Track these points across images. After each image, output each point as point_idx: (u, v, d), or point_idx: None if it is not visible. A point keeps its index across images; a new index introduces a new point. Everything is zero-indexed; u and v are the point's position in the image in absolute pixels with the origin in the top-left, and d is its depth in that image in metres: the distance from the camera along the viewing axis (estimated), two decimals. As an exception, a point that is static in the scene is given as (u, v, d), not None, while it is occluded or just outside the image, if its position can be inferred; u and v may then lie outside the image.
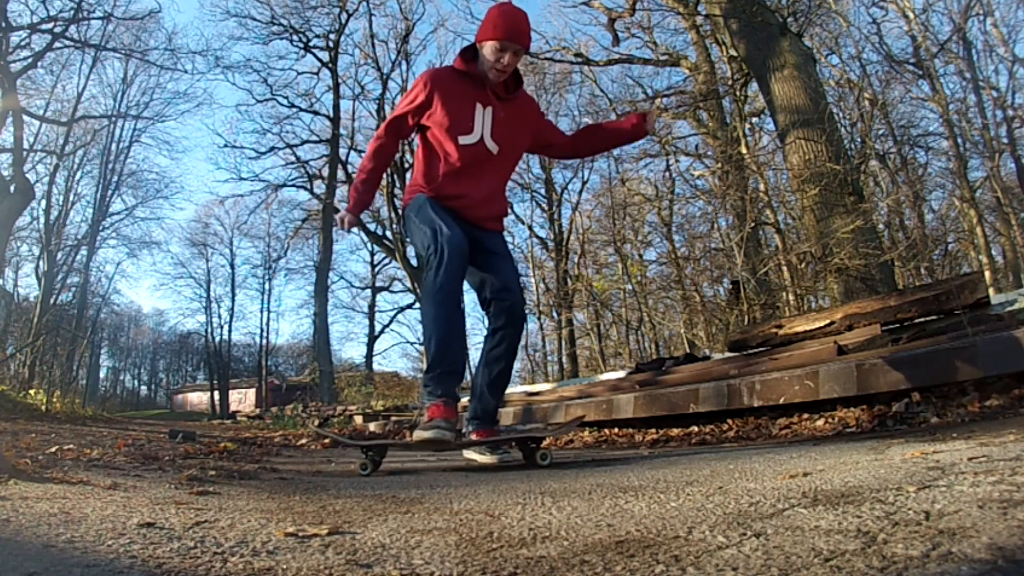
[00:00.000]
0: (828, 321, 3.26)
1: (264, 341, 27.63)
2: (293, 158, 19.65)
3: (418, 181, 2.29)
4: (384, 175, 2.43)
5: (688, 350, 7.28)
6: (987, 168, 12.73)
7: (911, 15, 12.74)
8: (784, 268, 7.17)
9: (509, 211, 2.53)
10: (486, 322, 2.28)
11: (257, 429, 8.78)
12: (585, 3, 10.35)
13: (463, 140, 2.18)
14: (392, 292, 25.14)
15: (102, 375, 33.20)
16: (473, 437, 2.23)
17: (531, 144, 2.44)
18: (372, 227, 17.71)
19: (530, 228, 18.61)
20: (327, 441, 4.23)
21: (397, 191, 14.09)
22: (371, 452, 2.16)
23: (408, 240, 2.35)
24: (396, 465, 2.48)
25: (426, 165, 2.27)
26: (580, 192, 17.80)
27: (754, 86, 8.59)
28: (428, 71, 2.27)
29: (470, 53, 2.20)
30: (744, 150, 8.34)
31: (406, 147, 12.13)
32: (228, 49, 30.70)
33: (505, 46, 2.09)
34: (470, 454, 2.31)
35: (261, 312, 27.21)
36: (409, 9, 17.14)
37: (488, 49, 2.12)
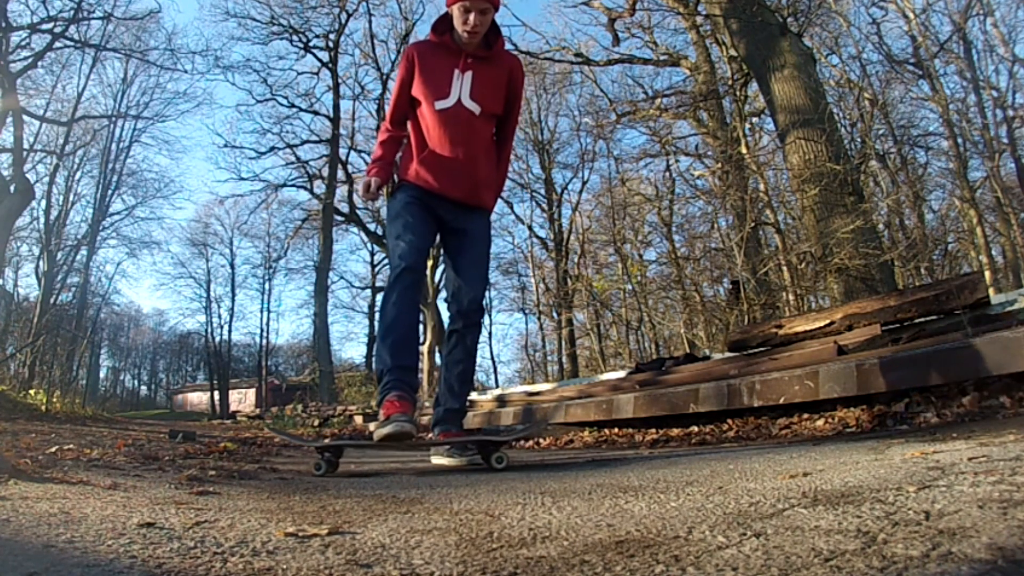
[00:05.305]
0: (828, 321, 3.25)
1: (264, 341, 27.72)
2: (293, 158, 19.64)
3: (407, 158, 2.31)
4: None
5: (688, 350, 7.28)
6: (987, 168, 12.74)
7: (911, 15, 12.76)
8: (784, 268, 7.17)
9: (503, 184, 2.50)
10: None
11: (257, 429, 8.77)
12: (585, 3, 10.36)
13: (440, 105, 2.19)
14: (392, 292, 25.09)
15: (102, 375, 33.30)
16: (440, 439, 2.21)
17: (501, 109, 2.31)
18: (372, 227, 17.71)
19: (530, 228, 18.64)
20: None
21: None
22: (328, 453, 2.08)
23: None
24: (397, 466, 2.48)
25: (416, 136, 2.28)
26: (580, 192, 17.84)
27: (754, 86, 8.59)
28: (410, 46, 2.31)
29: (443, 24, 2.21)
30: (744, 150, 8.33)
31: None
32: (228, 49, 30.76)
33: (468, 7, 2.09)
34: (438, 459, 2.27)
35: (261, 312, 27.32)
36: (409, 9, 17.23)
37: (455, 14, 2.13)
